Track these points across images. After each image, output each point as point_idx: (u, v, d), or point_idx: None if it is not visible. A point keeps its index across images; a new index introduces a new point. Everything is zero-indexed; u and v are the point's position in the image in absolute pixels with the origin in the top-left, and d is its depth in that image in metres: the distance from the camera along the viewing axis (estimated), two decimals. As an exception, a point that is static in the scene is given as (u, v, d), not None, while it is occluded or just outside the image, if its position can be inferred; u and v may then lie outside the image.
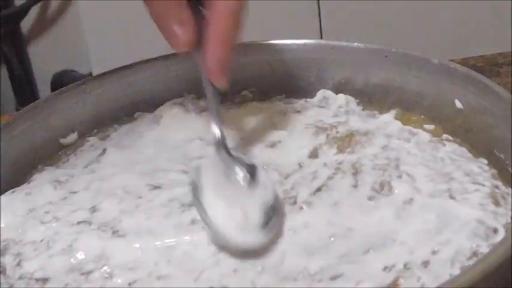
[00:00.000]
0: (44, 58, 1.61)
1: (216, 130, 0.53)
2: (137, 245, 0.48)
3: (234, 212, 0.47)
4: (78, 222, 0.50)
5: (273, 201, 0.48)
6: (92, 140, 0.62)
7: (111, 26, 1.39)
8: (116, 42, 1.38)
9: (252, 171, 0.50)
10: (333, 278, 0.43)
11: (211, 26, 0.52)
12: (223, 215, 0.47)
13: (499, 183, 0.50)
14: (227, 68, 0.52)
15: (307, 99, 0.64)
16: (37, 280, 0.46)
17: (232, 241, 0.46)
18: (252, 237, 0.46)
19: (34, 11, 1.58)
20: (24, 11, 1.50)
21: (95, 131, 0.64)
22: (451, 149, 0.55)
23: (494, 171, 0.52)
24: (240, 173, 0.50)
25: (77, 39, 1.52)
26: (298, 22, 1.57)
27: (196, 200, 0.49)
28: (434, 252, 0.44)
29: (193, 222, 0.49)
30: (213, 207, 0.48)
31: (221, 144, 0.52)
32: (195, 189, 0.49)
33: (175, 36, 0.52)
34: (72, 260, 0.47)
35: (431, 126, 0.58)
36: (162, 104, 0.65)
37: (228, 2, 0.51)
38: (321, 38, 1.64)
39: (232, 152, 0.52)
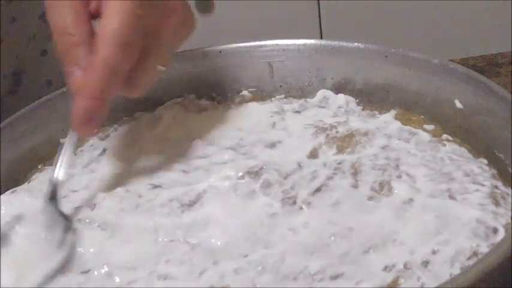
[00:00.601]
0: None
1: (57, 177, 0.51)
2: (137, 245, 0.48)
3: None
4: (78, 220, 0.50)
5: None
6: (92, 140, 0.62)
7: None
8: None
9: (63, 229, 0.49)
10: (333, 278, 0.43)
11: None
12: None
13: (499, 183, 0.50)
14: (93, 119, 0.49)
15: (307, 99, 0.64)
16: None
17: None
18: None
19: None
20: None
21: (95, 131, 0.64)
22: (451, 149, 0.55)
23: (494, 171, 0.52)
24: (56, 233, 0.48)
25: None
26: (298, 22, 1.57)
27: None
28: (434, 252, 0.44)
29: (193, 222, 0.49)
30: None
31: (52, 198, 0.50)
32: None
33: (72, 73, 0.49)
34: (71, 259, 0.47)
35: (431, 126, 0.58)
36: (162, 104, 0.65)
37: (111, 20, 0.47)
38: (321, 38, 1.64)
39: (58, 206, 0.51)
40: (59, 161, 0.52)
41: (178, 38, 0.53)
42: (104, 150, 0.59)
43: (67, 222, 0.49)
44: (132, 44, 0.48)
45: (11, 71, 0.73)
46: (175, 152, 0.57)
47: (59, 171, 0.51)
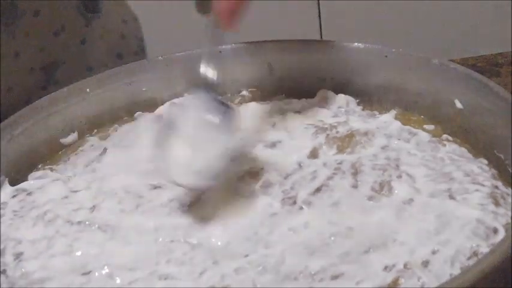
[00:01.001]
0: None
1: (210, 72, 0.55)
2: (137, 245, 0.48)
3: (189, 156, 0.49)
4: (79, 222, 0.50)
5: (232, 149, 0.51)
6: (92, 139, 0.62)
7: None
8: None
9: (229, 116, 0.52)
10: (334, 278, 0.43)
11: None
12: (179, 157, 0.49)
13: (499, 183, 0.50)
14: (237, 15, 0.53)
15: (307, 99, 0.64)
16: (38, 280, 0.46)
17: (174, 180, 0.49)
18: (190, 180, 0.49)
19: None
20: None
21: (95, 130, 0.64)
22: (451, 149, 0.55)
23: (494, 171, 0.52)
24: (216, 119, 0.52)
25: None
26: (298, 22, 1.57)
27: (163, 138, 0.50)
28: (434, 252, 0.44)
29: (193, 222, 0.49)
30: (176, 147, 0.50)
31: (211, 87, 0.54)
32: (168, 127, 0.51)
33: None
34: (72, 259, 0.47)
35: (431, 126, 0.58)
36: (162, 104, 0.65)
37: None
38: (321, 38, 1.64)
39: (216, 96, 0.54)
40: (204, 58, 0.56)
41: None
42: (105, 150, 0.59)
43: (228, 108, 0.53)
44: None
45: (39, 66, 0.74)
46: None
47: (206, 67, 0.55)
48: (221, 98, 0.54)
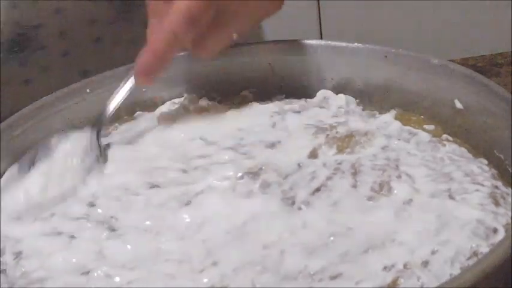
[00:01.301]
0: None
1: (109, 108, 0.57)
2: (136, 244, 0.48)
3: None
4: (77, 218, 0.50)
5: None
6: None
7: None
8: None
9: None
10: (333, 278, 0.43)
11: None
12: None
13: (499, 183, 0.50)
14: (151, 73, 0.56)
15: (307, 99, 0.64)
16: (37, 280, 0.46)
17: None
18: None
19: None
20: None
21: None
22: (450, 149, 0.55)
23: (494, 171, 0.52)
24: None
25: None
26: (298, 22, 1.57)
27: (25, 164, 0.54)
28: (434, 252, 0.44)
29: (192, 221, 0.49)
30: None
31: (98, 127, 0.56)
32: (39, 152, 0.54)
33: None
34: (71, 259, 0.47)
35: (431, 127, 0.58)
36: (162, 104, 0.65)
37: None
38: (321, 38, 1.64)
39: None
40: (113, 96, 0.58)
41: (259, 13, 0.58)
42: (104, 149, 0.59)
43: (100, 153, 0.55)
44: (200, 19, 0.54)
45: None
46: (174, 151, 0.57)
47: (110, 105, 0.57)
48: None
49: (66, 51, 0.75)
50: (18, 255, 0.48)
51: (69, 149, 0.55)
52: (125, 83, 0.58)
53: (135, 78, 0.57)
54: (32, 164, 0.54)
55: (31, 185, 0.52)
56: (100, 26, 0.75)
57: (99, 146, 0.56)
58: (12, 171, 0.55)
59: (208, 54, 0.59)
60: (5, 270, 0.48)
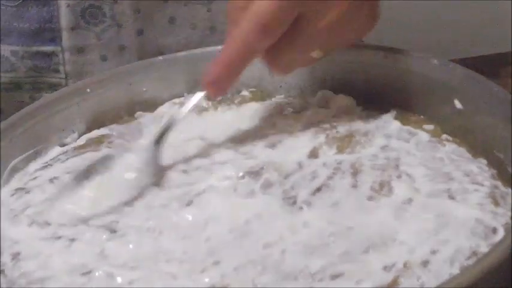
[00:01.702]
0: None
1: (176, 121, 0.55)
2: (137, 244, 0.48)
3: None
4: (78, 220, 0.50)
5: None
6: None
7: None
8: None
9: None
10: (333, 277, 0.44)
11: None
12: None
13: (499, 183, 0.50)
14: (220, 84, 0.53)
15: (307, 99, 0.64)
16: (37, 279, 0.46)
17: None
18: None
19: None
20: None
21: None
22: (450, 149, 0.55)
23: (493, 171, 0.52)
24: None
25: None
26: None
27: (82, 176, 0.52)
28: (433, 252, 0.44)
29: (193, 221, 0.49)
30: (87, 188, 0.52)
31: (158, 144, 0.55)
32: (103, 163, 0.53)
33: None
34: (71, 259, 0.47)
35: (430, 126, 0.58)
36: (162, 104, 0.65)
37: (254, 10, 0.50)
38: (321, 38, 1.64)
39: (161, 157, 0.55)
40: (183, 108, 0.56)
41: (347, 30, 0.54)
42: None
43: (159, 169, 0.53)
44: (273, 28, 0.50)
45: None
46: (175, 151, 0.58)
47: (178, 115, 0.55)
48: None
49: (140, 31, 0.74)
50: (16, 256, 0.49)
51: (127, 163, 0.53)
52: (192, 97, 0.56)
53: (204, 88, 0.54)
54: (89, 174, 0.53)
55: (81, 198, 0.51)
56: (174, 5, 0.74)
57: (159, 160, 0.54)
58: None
59: (282, 71, 0.56)
60: (3, 270, 0.48)
